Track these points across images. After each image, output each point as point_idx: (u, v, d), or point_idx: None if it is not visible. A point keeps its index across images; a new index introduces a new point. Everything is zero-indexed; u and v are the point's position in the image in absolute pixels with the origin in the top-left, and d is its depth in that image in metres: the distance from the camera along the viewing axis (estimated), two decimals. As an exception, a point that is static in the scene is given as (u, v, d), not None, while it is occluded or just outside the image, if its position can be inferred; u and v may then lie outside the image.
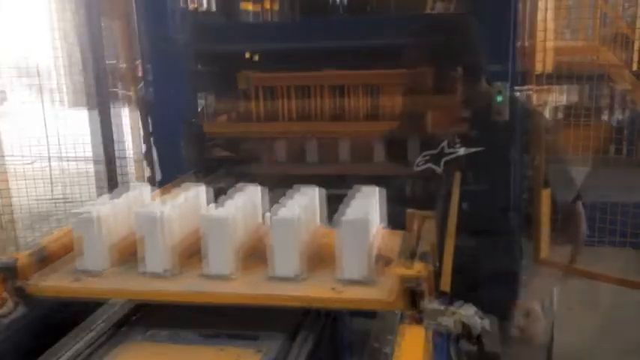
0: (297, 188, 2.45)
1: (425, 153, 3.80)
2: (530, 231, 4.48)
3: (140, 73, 4.47)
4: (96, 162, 5.61)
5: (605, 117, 7.50)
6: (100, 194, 5.52)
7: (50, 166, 6.42)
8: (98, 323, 2.27)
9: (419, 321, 1.84)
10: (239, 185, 2.52)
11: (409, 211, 2.54)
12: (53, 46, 6.49)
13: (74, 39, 7.06)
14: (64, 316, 2.32)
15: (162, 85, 4.08)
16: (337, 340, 2.56)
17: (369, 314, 2.60)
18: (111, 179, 5.50)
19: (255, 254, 2.35)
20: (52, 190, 6.26)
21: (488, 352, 1.96)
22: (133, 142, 4.36)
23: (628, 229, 5.30)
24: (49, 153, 6.09)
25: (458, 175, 3.70)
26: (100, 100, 5.38)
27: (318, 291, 2.03)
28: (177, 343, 2.09)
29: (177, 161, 4.08)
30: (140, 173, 4.37)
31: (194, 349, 2.05)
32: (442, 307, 1.82)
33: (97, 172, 5.61)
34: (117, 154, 5.10)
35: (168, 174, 3.96)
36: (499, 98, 3.63)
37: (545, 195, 4.42)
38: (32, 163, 6.24)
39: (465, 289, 2.06)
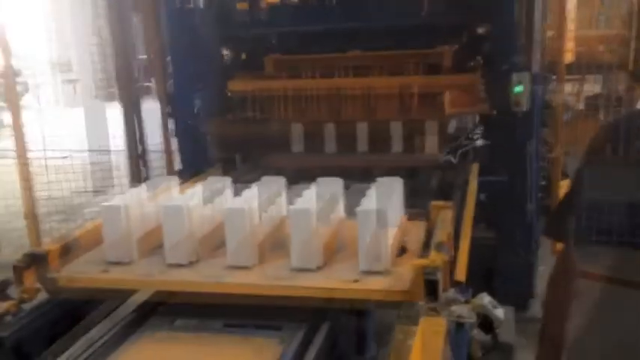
0: (320, 181, 2.50)
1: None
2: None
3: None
4: (129, 156, 5.73)
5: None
6: (132, 187, 5.62)
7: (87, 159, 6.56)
8: (125, 314, 2.36)
9: (437, 311, 1.88)
10: (264, 178, 2.58)
11: (433, 203, 2.57)
12: (87, 42, 6.59)
13: (107, 35, 7.17)
14: (92, 306, 2.42)
15: (185, 79, 4.17)
16: (360, 330, 2.61)
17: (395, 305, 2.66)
18: (138, 172, 5.61)
19: (278, 246, 2.41)
20: (85, 183, 6.42)
21: (502, 342, 2.00)
22: (163, 135, 4.44)
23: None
24: (70, 147, 6.20)
25: (475, 167, 3.72)
26: (128, 94, 5.48)
27: (339, 283, 2.08)
28: (202, 333, 2.16)
29: (200, 155, 4.17)
30: (170, 167, 4.46)
31: (218, 339, 2.11)
32: (460, 298, 1.86)
33: (130, 166, 5.73)
34: (148, 147, 5.23)
35: (191, 167, 4.05)
36: (518, 88, 3.63)
37: (563, 186, 4.40)
38: (66, 157, 6.40)
39: (481, 279, 2.10)
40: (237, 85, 4.21)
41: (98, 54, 7.02)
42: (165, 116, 4.44)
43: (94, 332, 2.27)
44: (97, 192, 6.17)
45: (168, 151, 4.52)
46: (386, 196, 2.28)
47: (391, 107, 4.00)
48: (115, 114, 6.19)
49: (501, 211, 3.90)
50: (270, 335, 2.11)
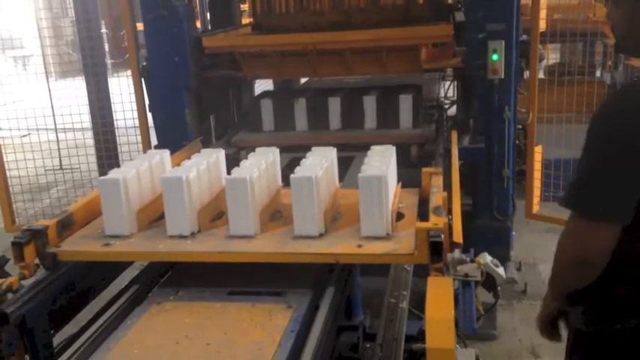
0: (315, 150, 2.52)
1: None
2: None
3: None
4: (94, 132, 5.62)
5: (598, 74, 7.58)
6: (99, 164, 5.54)
7: (57, 137, 6.38)
8: (127, 286, 2.36)
9: (443, 272, 1.94)
10: (258, 149, 2.59)
11: (424, 169, 2.63)
12: (37, 17, 6.37)
13: (58, 8, 6.94)
14: (92, 280, 2.41)
15: (160, 52, 4.08)
16: (353, 294, 2.68)
17: (382, 272, 2.73)
18: (108, 149, 5.53)
19: (276, 216, 2.44)
20: (60, 161, 6.26)
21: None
22: (138, 110, 4.35)
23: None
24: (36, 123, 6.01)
25: (455, 134, 3.81)
26: (95, 70, 5.37)
27: (344, 248, 2.12)
28: (208, 301, 2.17)
29: (176, 129, 4.12)
30: (145, 142, 4.39)
31: (226, 306, 2.13)
32: (466, 258, 1.93)
33: (96, 142, 5.62)
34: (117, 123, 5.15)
35: (167, 142, 4.00)
36: (495, 57, 3.70)
37: (537, 152, 4.54)
38: (26, 135, 6.22)
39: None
40: (212, 42, 4.16)
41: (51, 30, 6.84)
42: (139, 91, 4.35)
43: (99, 306, 2.26)
44: (63, 170, 6.03)
45: (143, 127, 4.45)
46: (383, 164, 2.32)
47: (367, 62, 4.04)
48: (75, 90, 6.08)
49: (478, 178, 4.01)
50: (278, 301, 2.14)
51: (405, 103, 3.92)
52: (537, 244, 4.84)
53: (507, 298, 4.07)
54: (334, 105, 4.03)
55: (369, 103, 3.97)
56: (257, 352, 1.84)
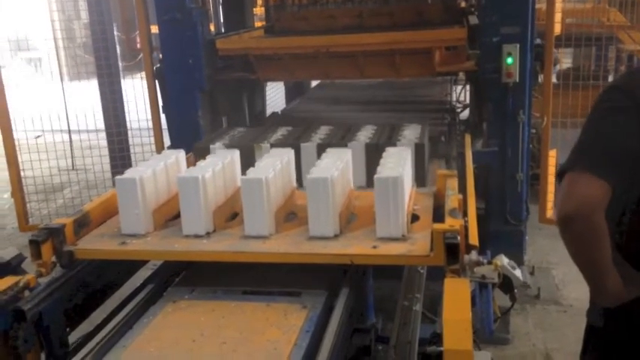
0: (330, 151, 2.52)
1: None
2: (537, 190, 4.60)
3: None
4: (108, 133, 5.65)
5: (611, 79, 7.53)
6: (112, 165, 5.57)
7: (70, 138, 6.41)
8: (142, 285, 2.37)
9: (459, 274, 1.93)
10: (272, 150, 2.59)
11: (439, 171, 2.63)
12: (51, 19, 6.40)
13: (71, 11, 6.99)
14: (107, 278, 2.42)
15: (174, 54, 4.10)
16: (366, 297, 2.67)
17: (395, 276, 2.73)
18: (122, 150, 5.56)
19: (290, 217, 2.44)
20: (73, 162, 6.29)
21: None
22: (152, 111, 4.37)
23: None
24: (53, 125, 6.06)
25: (468, 137, 3.80)
26: (109, 72, 5.40)
27: (359, 249, 2.12)
28: (223, 301, 2.18)
29: (189, 130, 4.14)
30: (159, 143, 4.41)
31: (241, 306, 2.13)
32: (483, 259, 1.92)
33: (109, 144, 5.65)
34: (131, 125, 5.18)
35: (180, 143, 4.01)
36: (510, 60, 3.69)
37: (552, 156, 4.51)
38: (39, 136, 6.24)
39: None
40: (226, 44, 4.18)
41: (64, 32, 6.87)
42: (152, 92, 4.37)
43: (113, 305, 2.27)
44: (77, 170, 6.06)
45: (157, 128, 4.46)
46: (399, 165, 2.32)
47: (380, 65, 4.04)
48: (89, 91, 6.12)
49: (491, 182, 3.99)
50: (292, 301, 2.14)
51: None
52: (551, 248, 4.81)
53: (521, 302, 4.04)
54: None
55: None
56: (273, 351, 1.84)
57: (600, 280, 1.68)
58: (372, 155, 2.94)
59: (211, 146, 3.03)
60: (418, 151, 2.94)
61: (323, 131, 3.50)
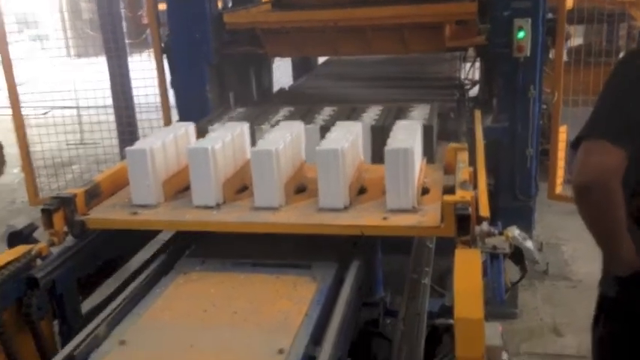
0: (340, 124, 2.51)
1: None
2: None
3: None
4: (115, 107, 5.65)
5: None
6: (121, 140, 5.58)
7: (78, 113, 6.41)
8: (153, 257, 2.38)
9: (470, 244, 1.93)
10: (282, 122, 2.58)
11: (450, 145, 2.62)
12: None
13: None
14: (118, 248, 2.44)
15: (181, 28, 4.08)
16: (375, 271, 2.68)
17: (404, 250, 2.73)
18: (130, 124, 5.56)
19: (299, 189, 2.44)
20: (81, 136, 6.28)
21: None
22: (159, 87, 4.37)
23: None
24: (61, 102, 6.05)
25: (478, 113, 3.78)
26: (116, 47, 5.38)
27: (369, 220, 2.12)
28: (233, 272, 2.19)
29: (197, 105, 4.12)
30: (167, 119, 4.41)
31: (250, 277, 2.15)
32: (494, 230, 1.92)
33: (117, 118, 5.65)
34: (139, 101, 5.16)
35: (186, 118, 4.01)
36: (521, 34, 3.65)
37: (562, 132, 4.48)
38: (47, 112, 6.26)
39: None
40: (233, 18, 4.14)
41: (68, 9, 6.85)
42: (160, 68, 4.36)
43: (124, 277, 2.29)
44: (85, 145, 6.08)
45: (165, 104, 4.46)
46: (410, 137, 2.31)
47: (389, 40, 3.99)
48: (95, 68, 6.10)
49: (501, 157, 3.97)
50: (302, 273, 2.15)
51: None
52: (559, 225, 4.81)
53: (529, 277, 4.04)
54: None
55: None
56: (283, 321, 1.86)
57: (615, 248, 1.68)
58: (378, 137, 2.92)
59: (210, 127, 3.01)
60: (426, 132, 2.90)
61: (326, 112, 3.49)
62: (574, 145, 1.67)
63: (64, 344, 2.10)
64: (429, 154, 2.90)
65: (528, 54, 3.65)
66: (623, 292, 1.76)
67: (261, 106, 3.96)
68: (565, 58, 4.60)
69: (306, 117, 3.31)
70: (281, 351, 1.70)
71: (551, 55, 4.14)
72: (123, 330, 1.87)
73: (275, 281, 2.11)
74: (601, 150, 1.56)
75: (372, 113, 3.41)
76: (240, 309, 1.94)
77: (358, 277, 2.19)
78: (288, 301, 1.98)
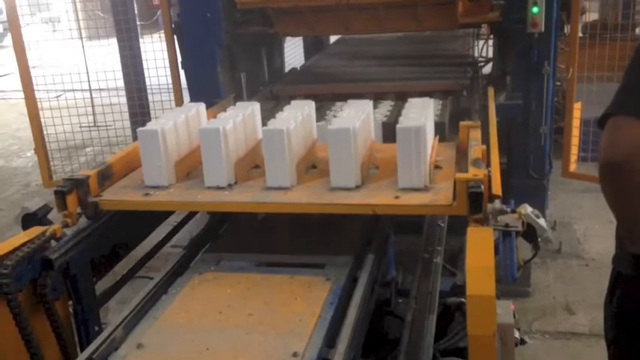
0: (352, 102, 2.49)
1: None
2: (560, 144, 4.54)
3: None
4: (127, 89, 5.65)
5: (638, 32, 7.32)
6: (133, 122, 5.60)
7: (91, 95, 6.43)
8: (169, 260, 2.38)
9: (482, 222, 1.92)
10: (293, 102, 2.57)
11: (462, 123, 2.59)
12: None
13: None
14: (132, 230, 2.45)
15: (192, 8, 4.05)
16: (388, 250, 2.68)
17: (415, 230, 2.73)
18: (142, 106, 5.57)
19: (311, 169, 2.43)
20: (94, 118, 6.30)
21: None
22: (171, 69, 4.36)
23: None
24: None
25: (491, 90, 3.74)
26: (128, 27, 5.37)
27: (381, 199, 2.11)
28: (248, 272, 2.20)
29: (209, 85, 4.11)
30: (178, 101, 4.41)
31: (265, 278, 2.15)
32: (507, 208, 1.90)
33: (129, 100, 5.66)
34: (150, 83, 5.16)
35: (198, 99, 3.99)
36: (535, 9, 3.59)
37: (577, 108, 4.43)
38: (60, 95, 6.28)
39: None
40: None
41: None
42: (172, 49, 4.35)
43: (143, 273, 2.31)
44: (98, 127, 6.10)
45: (176, 85, 4.46)
46: (422, 115, 2.29)
47: (401, 17, 3.95)
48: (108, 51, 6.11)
49: (514, 135, 3.94)
50: (316, 273, 2.15)
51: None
52: (573, 203, 4.78)
53: (541, 256, 4.03)
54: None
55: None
56: (298, 323, 1.86)
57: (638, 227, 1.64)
58: (390, 135, 2.89)
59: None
60: (438, 130, 2.85)
61: (337, 108, 3.47)
62: (600, 122, 1.63)
63: (77, 325, 2.13)
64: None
65: (543, 30, 3.59)
66: (638, 269, 1.74)
67: (270, 101, 3.93)
68: (580, 33, 4.55)
69: (317, 113, 3.30)
70: (295, 354, 1.71)
71: (565, 31, 4.07)
72: (140, 333, 1.88)
73: (290, 281, 2.11)
74: (632, 127, 1.52)
75: (384, 109, 3.39)
76: (256, 310, 1.95)
77: (371, 277, 2.19)
78: (303, 302, 1.98)
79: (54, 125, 5.24)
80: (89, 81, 6.25)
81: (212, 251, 2.38)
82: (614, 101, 1.61)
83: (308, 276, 2.13)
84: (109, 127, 5.66)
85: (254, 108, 2.58)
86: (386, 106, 3.41)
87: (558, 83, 4.39)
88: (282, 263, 2.25)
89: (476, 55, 5.34)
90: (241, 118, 2.42)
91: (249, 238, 2.47)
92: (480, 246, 1.76)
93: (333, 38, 6.50)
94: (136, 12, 6.86)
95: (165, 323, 1.92)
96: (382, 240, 2.51)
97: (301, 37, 6.07)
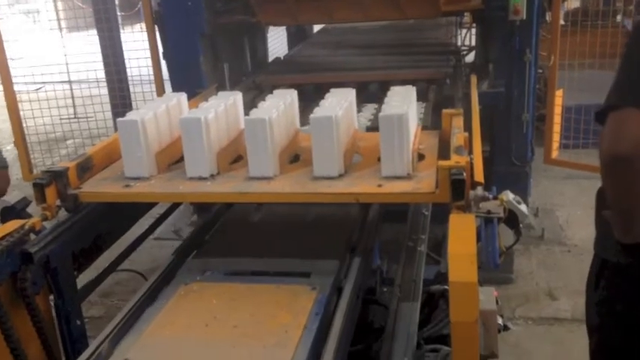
0: (334, 91, 2.48)
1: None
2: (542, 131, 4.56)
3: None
4: (108, 80, 5.59)
5: (619, 19, 7.36)
6: (115, 113, 5.54)
7: (71, 87, 6.34)
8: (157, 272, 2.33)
9: (464, 209, 1.92)
10: (276, 91, 2.55)
11: (445, 111, 2.59)
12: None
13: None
14: (112, 222, 2.42)
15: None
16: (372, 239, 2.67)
17: (400, 219, 2.73)
18: (123, 97, 5.51)
19: (294, 158, 2.42)
20: (74, 110, 6.24)
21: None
22: (152, 60, 4.32)
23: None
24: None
25: (474, 78, 3.75)
26: (108, 17, 5.30)
27: (364, 187, 2.10)
28: (234, 282, 2.17)
29: (191, 76, 4.07)
30: (160, 91, 4.37)
31: (251, 288, 2.12)
32: (489, 195, 1.91)
33: (110, 91, 5.60)
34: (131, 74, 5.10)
35: (180, 89, 3.95)
36: (517, -4, 3.60)
37: (558, 96, 4.45)
38: (40, 88, 6.19)
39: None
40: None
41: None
42: (153, 40, 4.30)
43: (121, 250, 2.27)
44: (79, 119, 6.03)
45: (157, 76, 4.41)
46: (404, 103, 2.28)
47: (384, 6, 3.95)
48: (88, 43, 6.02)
49: (497, 123, 3.95)
50: (301, 282, 2.13)
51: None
52: (555, 190, 4.81)
53: (524, 243, 4.07)
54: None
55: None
56: (284, 335, 1.84)
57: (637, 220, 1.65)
58: None
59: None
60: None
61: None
62: (600, 115, 1.62)
63: (58, 319, 2.10)
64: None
65: (524, 17, 3.61)
66: (627, 257, 1.74)
67: (253, 91, 3.89)
68: (561, 21, 4.57)
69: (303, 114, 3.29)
70: None
71: (547, 18, 4.08)
72: (126, 347, 1.86)
73: (275, 291, 2.08)
74: (636, 120, 1.52)
75: (368, 112, 3.38)
76: (241, 322, 1.92)
77: (357, 285, 2.16)
78: (288, 313, 1.96)
79: (33, 118, 5.16)
80: (68, 72, 6.16)
81: (199, 257, 2.35)
82: (613, 95, 1.60)
83: (293, 285, 2.10)
84: (89, 119, 5.60)
85: (236, 98, 2.55)
86: (370, 109, 3.40)
87: (540, 71, 4.40)
88: (268, 272, 2.21)
89: (459, 43, 5.35)
90: (223, 108, 2.39)
91: (237, 243, 2.44)
92: (462, 233, 1.75)
93: (316, 28, 6.47)
94: (116, 2, 6.78)
95: (151, 337, 1.89)
96: (369, 243, 2.49)
97: (285, 27, 6.05)
